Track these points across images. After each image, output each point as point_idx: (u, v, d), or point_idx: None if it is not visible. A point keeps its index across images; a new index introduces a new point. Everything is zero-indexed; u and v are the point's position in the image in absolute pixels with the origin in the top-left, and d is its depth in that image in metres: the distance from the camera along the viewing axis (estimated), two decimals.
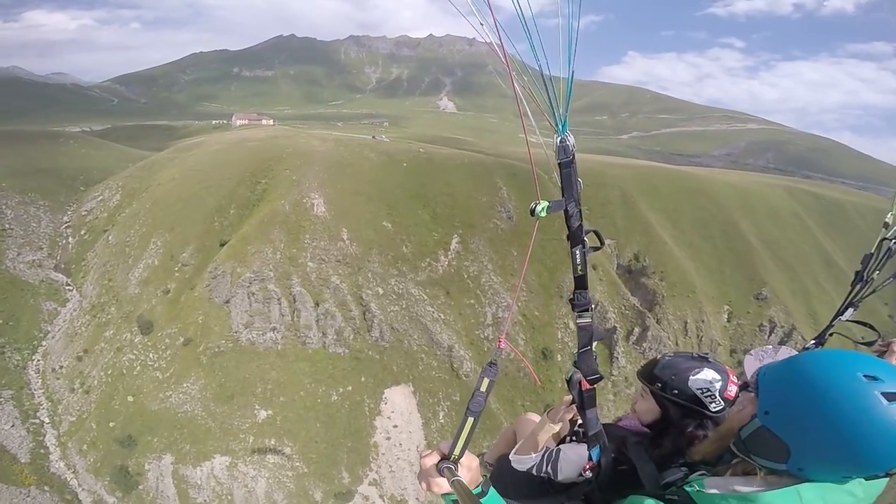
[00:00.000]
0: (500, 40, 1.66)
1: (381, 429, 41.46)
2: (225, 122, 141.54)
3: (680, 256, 60.49)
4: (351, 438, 40.25)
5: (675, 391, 2.66)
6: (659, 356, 2.86)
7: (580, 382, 2.35)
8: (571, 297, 2.28)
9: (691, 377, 2.64)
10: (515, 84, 1.74)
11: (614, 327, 54.75)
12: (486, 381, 1.96)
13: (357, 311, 44.10)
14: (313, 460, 38.80)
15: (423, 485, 1.95)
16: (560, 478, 2.96)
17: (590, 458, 2.64)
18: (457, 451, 1.93)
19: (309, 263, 43.60)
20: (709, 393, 2.60)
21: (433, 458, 1.95)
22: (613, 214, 62.58)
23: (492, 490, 2.01)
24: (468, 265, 54.34)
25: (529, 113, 1.81)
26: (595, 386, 2.38)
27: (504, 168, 64.84)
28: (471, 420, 1.94)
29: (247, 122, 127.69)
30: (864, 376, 1.55)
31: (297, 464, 38.60)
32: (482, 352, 48.59)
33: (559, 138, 1.98)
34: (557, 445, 3.06)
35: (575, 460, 2.89)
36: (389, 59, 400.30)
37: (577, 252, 2.16)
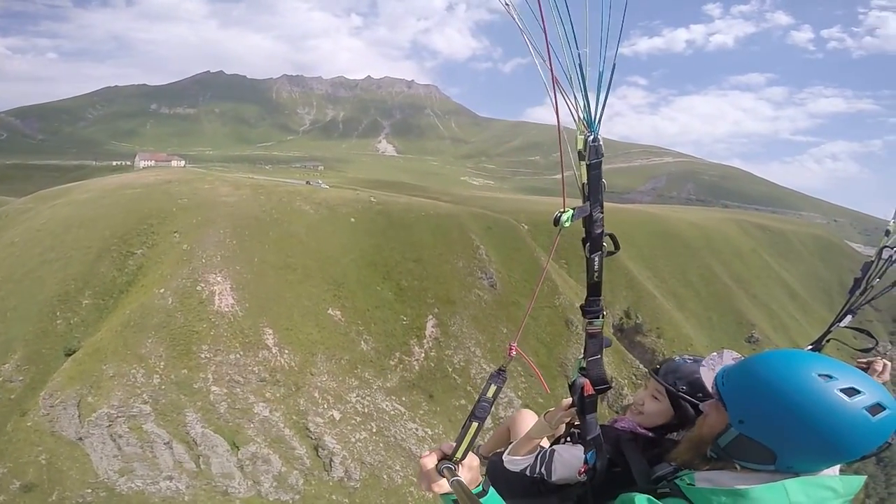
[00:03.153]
0: (543, 22, 1.51)
1: None
2: (128, 163, 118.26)
3: (670, 308, 52.86)
4: None
5: (700, 394, 2.49)
6: (675, 356, 2.76)
7: (583, 387, 2.26)
8: (583, 304, 2.18)
9: (700, 377, 2.55)
10: (551, 72, 1.67)
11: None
12: (493, 388, 1.98)
13: (304, 448, 26.90)
14: None
15: (423, 485, 1.90)
16: (553, 479, 2.81)
17: (585, 461, 2.52)
18: (459, 454, 1.91)
19: (213, 389, 25.63)
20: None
21: (433, 459, 1.90)
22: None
23: (492, 490, 1.96)
24: (451, 354, 38.93)
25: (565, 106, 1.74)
26: (596, 392, 2.30)
27: (476, 220, 50.95)
28: (475, 425, 1.92)
29: (153, 162, 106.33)
30: (819, 376, 1.64)
31: None
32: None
33: (591, 137, 1.86)
34: (551, 446, 2.97)
35: (569, 461, 2.75)
36: (325, 99, 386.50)
37: (597, 258, 2.10)
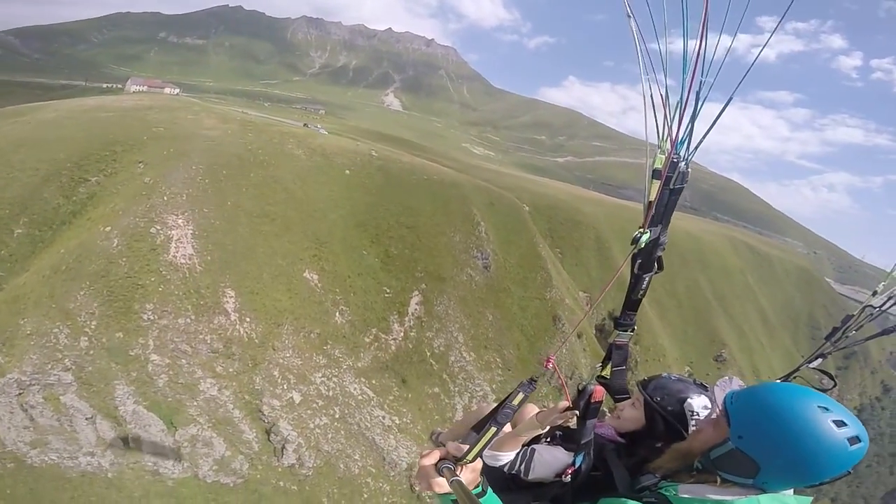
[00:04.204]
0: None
1: None
2: (119, 86, 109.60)
3: (652, 317, 50.11)
4: None
5: (670, 407, 2.67)
6: (663, 374, 2.90)
7: (592, 393, 2.36)
8: (618, 316, 2.40)
9: (689, 399, 2.68)
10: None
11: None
12: (520, 396, 2.01)
13: (254, 432, 22.97)
14: None
15: (423, 484, 1.90)
16: (529, 477, 2.91)
17: (573, 464, 2.64)
18: (471, 456, 1.90)
19: (152, 358, 21.30)
20: (695, 418, 2.63)
21: (433, 458, 1.91)
22: (588, 262, 50.68)
23: (490, 490, 2.00)
24: (432, 337, 35.10)
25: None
26: (616, 402, 2.56)
27: (480, 193, 46.03)
28: (493, 430, 1.96)
29: (145, 88, 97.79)
30: (819, 407, 1.87)
31: None
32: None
33: (682, 162, 1.90)
34: (530, 445, 3.02)
35: (549, 462, 2.85)
36: (340, 45, 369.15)
37: (647, 278, 2.24)
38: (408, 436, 30.68)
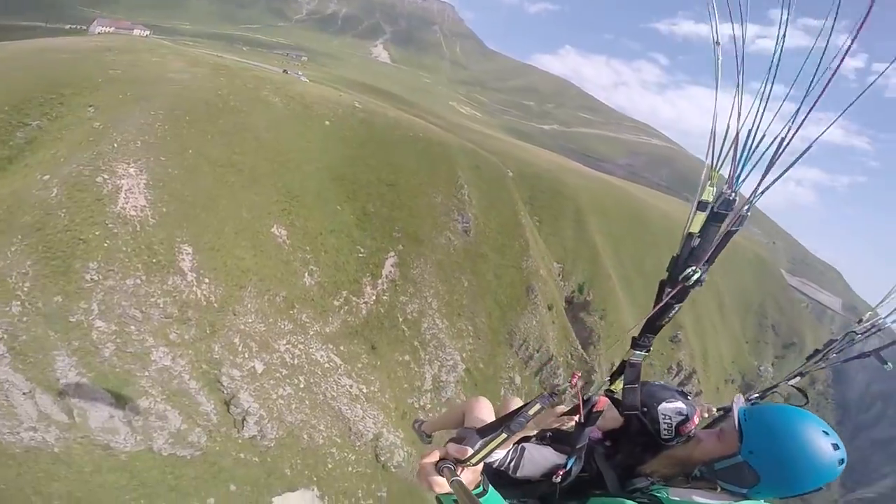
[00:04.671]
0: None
1: None
2: (83, 27, 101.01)
3: (620, 293, 49.95)
4: None
5: (645, 409, 2.71)
6: (654, 382, 2.97)
7: (596, 403, 2.38)
8: (636, 336, 2.40)
9: (663, 403, 2.76)
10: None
11: (565, 389, 37.69)
12: (536, 407, 1.97)
13: (212, 404, 21.67)
14: None
15: (423, 484, 1.91)
16: (518, 474, 2.97)
17: (565, 466, 2.68)
18: (475, 461, 1.91)
19: (97, 325, 19.41)
20: (667, 422, 2.72)
21: (433, 458, 1.93)
22: (564, 232, 49.56)
23: (491, 489, 2.03)
24: (405, 302, 33.95)
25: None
26: (624, 415, 2.59)
27: (467, 155, 44.15)
28: (503, 437, 1.98)
29: (111, 29, 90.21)
30: (822, 431, 2.09)
31: None
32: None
33: (746, 208, 1.94)
34: (520, 443, 3.07)
35: (538, 461, 2.93)
36: None
37: (677, 308, 2.25)
38: (375, 405, 29.82)
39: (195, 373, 21.63)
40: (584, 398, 2.39)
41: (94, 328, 18.73)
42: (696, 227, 2.11)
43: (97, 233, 20.38)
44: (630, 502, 2.23)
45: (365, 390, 29.74)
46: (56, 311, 18.18)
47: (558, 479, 2.68)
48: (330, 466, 25.45)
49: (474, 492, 1.89)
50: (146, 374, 19.74)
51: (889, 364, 3.05)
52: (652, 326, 2.45)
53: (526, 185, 49.90)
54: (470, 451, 1.95)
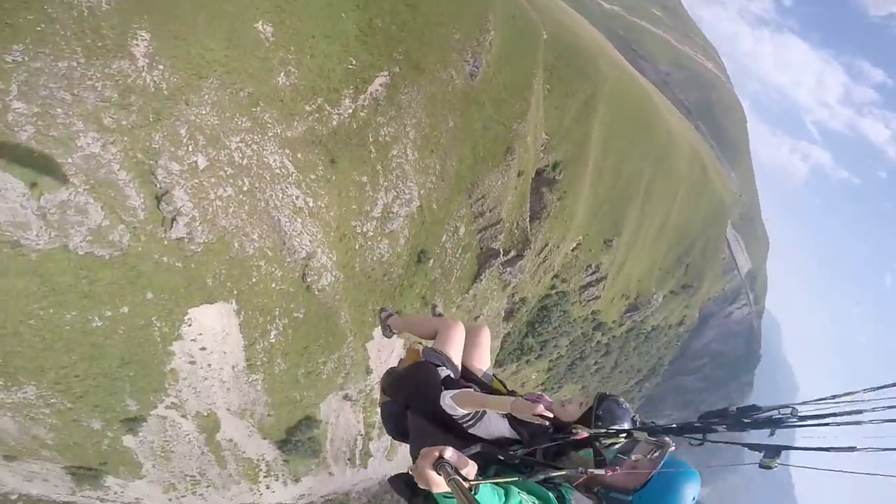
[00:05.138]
0: None
1: (181, 354, 25.42)
2: None
3: (585, 184, 49.18)
4: (134, 368, 23.91)
5: (600, 423, 3.06)
6: (619, 399, 3.25)
7: (580, 440, 2.84)
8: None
9: (610, 425, 3.06)
10: None
11: (499, 250, 41.96)
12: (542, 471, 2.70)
13: (141, 198, 20.51)
14: (78, 394, 22.56)
15: (422, 483, 2.09)
16: (471, 431, 3.28)
17: (513, 450, 3.04)
18: (474, 482, 2.10)
19: (15, 105, 15.53)
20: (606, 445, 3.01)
21: (432, 457, 2.06)
22: (569, 109, 45.03)
23: (482, 488, 2.21)
24: (382, 123, 31.31)
25: None
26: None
27: (508, 2, 36.19)
28: (514, 479, 2.44)
29: None
30: (693, 499, 2.60)
31: (55, 400, 21.97)
32: (351, 251, 31.14)
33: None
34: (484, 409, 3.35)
35: (493, 429, 3.24)
36: None
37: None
38: (317, 221, 29.54)
39: (127, 162, 19.01)
40: (577, 439, 2.80)
41: (10, 110, 14.91)
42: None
43: (30, 17, 14.45)
44: (549, 494, 2.54)
45: (311, 204, 28.90)
46: None
47: (502, 458, 2.90)
48: (254, 280, 26.24)
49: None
50: (69, 160, 17.09)
51: (775, 465, 3.00)
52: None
53: (555, 52, 42.23)
54: (472, 470, 2.15)
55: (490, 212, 39.50)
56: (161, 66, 18.52)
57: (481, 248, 40.82)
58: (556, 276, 49.68)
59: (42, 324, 19.36)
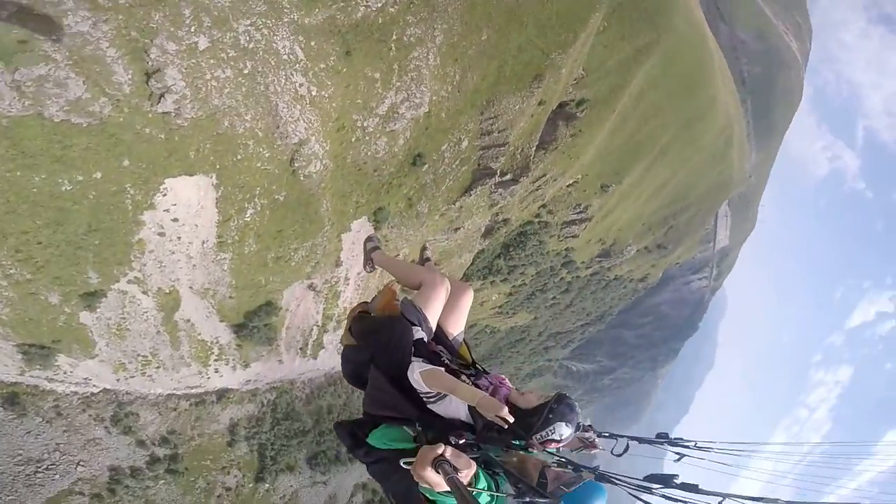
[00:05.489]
0: None
1: (151, 224, 24.58)
2: None
3: (605, 132, 46.96)
4: (100, 236, 23.10)
5: (551, 415, 3.22)
6: (574, 402, 3.37)
7: (533, 459, 3.17)
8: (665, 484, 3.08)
9: (561, 423, 3.21)
10: None
11: (496, 171, 41.64)
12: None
13: (129, 74, 18.68)
14: (38, 264, 21.93)
15: (423, 482, 2.17)
16: (431, 407, 3.40)
17: (464, 439, 3.14)
18: (467, 480, 2.25)
19: None
20: (552, 436, 3.23)
21: (432, 454, 2.15)
22: (617, 51, 40.99)
23: (480, 485, 2.41)
24: (412, 23, 28.36)
25: None
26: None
27: None
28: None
29: None
30: None
31: (14, 270, 21.47)
32: (346, 143, 30.38)
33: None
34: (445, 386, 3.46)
35: (451, 409, 3.35)
36: None
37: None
38: (317, 110, 27.47)
39: (119, 40, 16.67)
40: (592, 472, 3.14)
41: None
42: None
43: None
44: (485, 479, 2.73)
45: (314, 93, 26.61)
46: None
47: (453, 442, 3.05)
48: (239, 158, 24.95)
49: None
50: (51, 37, 14.96)
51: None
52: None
53: None
54: (471, 469, 2.33)
55: (498, 133, 37.45)
56: None
57: (479, 165, 39.47)
58: (543, 206, 49.34)
59: (7, 186, 18.56)
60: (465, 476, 2.18)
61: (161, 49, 18.27)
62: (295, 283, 31.93)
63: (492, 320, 59.38)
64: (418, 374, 3.46)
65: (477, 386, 3.61)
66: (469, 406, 3.28)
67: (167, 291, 27.54)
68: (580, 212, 50.79)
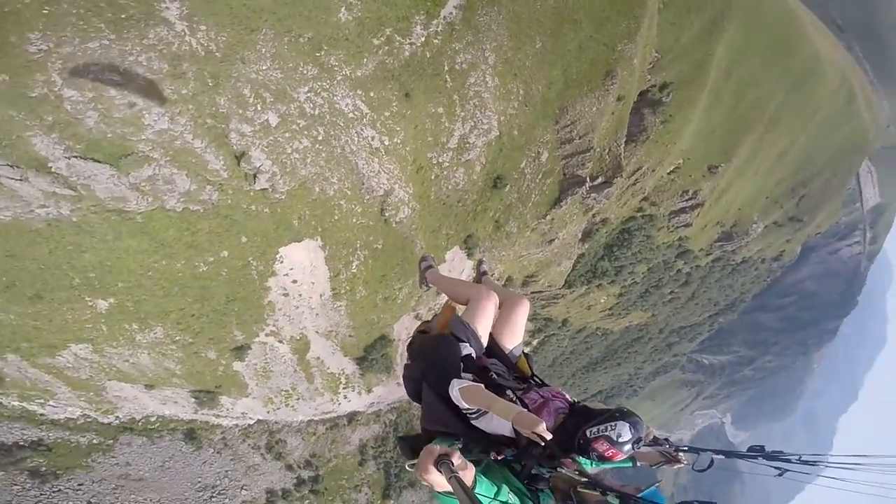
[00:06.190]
0: None
1: (276, 288, 26.40)
2: None
3: (699, 111, 39.91)
4: (238, 304, 25.53)
5: (617, 413, 2.81)
6: (638, 420, 2.84)
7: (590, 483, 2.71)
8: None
9: (618, 421, 2.76)
10: None
11: (586, 178, 36.94)
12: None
13: (221, 161, 19.68)
14: (196, 331, 24.91)
15: (423, 482, 2.04)
16: (476, 424, 3.11)
17: (504, 455, 2.97)
18: (469, 481, 2.10)
19: (66, 93, 13.98)
20: (602, 433, 2.77)
21: (432, 456, 2.02)
22: (689, 25, 35.30)
23: (480, 486, 2.19)
24: (458, 49, 26.72)
25: None
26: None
27: None
28: None
29: None
30: None
31: (179, 337, 24.51)
32: (427, 182, 29.55)
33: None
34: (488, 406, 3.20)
35: (494, 425, 3.02)
36: None
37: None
38: (393, 158, 26.89)
39: (199, 130, 17.59)
40: (601, 489, 2.70)
41: (65, 99, 13.55)
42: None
43: (26, 1, 11.69)
44: (489, 485, 2.51)
45: (387, 142, 26.07)
46: (6, 91, 12.52)
47: (499, 458, 2.91)
48: (336, 218, 25.33)
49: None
50: (142, 137, 16.01)
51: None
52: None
53: None
54: (470, 473, 2.16)
55: (580, 139, 33.44)
56: (203, 27, 15.70)
57: (564, 175, 35.65)
58: (645, 198, 43.04)
59: (159, 274, 20.53)
60: (465, 476, 2.03)
61: (238, 132, 18.82)
62: (403, 315, 31.92)
63: (602, 323, 52.89)
64: (457, 390, 3.23)
65: (523, 400, 3.25)
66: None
67: (298, 338, 29.27)
68: (689, 198, 43.48)
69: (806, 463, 3.24)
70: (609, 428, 2.68)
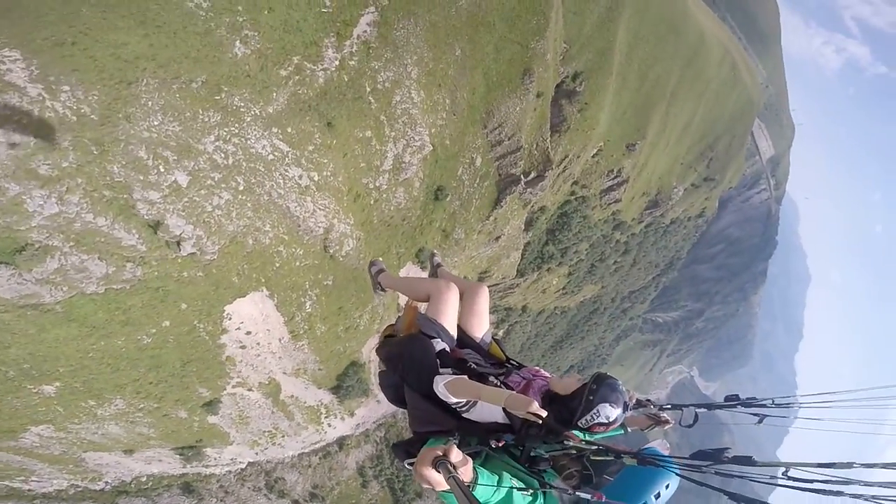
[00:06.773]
0: None
1: (231, 343, 23.31)
2: None
3: (609, 93, 39.10)
4: (195, 365, 22.36)
5: (591, 397, 2.64)
6: (617, 381, 2.74)
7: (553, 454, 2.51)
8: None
9: (605, 404, 2.62)
10: None
11: (520, 176, 35.39)
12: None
13: (134, 235, 15.99)
14: (158, 396, 21.73)
15: (423, 482, 1.80)
16: (467, 416, 2.91)
17: (503, 439, 2.73)
18: (469, 480, 1.86)
19: None
20: (597, 419, 2.64)
21: (430, 456, 1.81)
22: (589, 14, 34.11)
23: (479, 478, 1.98)
24: (379, 68, 23.86)
25: None
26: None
27: None
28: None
29: None
30: (654, 496, 2.27)
31: (143, 404, 21.35)
32: (367, 208, 26.81)
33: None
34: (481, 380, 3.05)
35: (485, 414, 2.85)
36: None
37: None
38: (327, 193, 23.86)
39: (98, 206, 14.00)
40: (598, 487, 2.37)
41: None
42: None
43: None
44: (534, 480, 2.35)
45: (317, 178, 23.05)
46: None
47: (500, 444, 2.69)
48: (278, 266, 22.25)
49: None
50: (32, 225, 12.19)
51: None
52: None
53: None
54: (469, 470, 1.91)
55: (509, 139, 31.87)
56: (66, 87, 12.07)
57: (500, 175, 34.17)
58: (575, 182, 42.54)
59: (101, 354, 17.65)
60: (464, 473, 1.85)
61: (146, 200, 15.35)
62: (369, 339, 29.71)
63: (559, 302, 52.78)
64: (442, 386, 2.98)
65: (507, 384, 3.06)
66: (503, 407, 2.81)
67: (266, 382, 26.58)
68: (615, 176, 43.50)
69: (780, 406, 3.13)
70: (595, 415, 2.61)
